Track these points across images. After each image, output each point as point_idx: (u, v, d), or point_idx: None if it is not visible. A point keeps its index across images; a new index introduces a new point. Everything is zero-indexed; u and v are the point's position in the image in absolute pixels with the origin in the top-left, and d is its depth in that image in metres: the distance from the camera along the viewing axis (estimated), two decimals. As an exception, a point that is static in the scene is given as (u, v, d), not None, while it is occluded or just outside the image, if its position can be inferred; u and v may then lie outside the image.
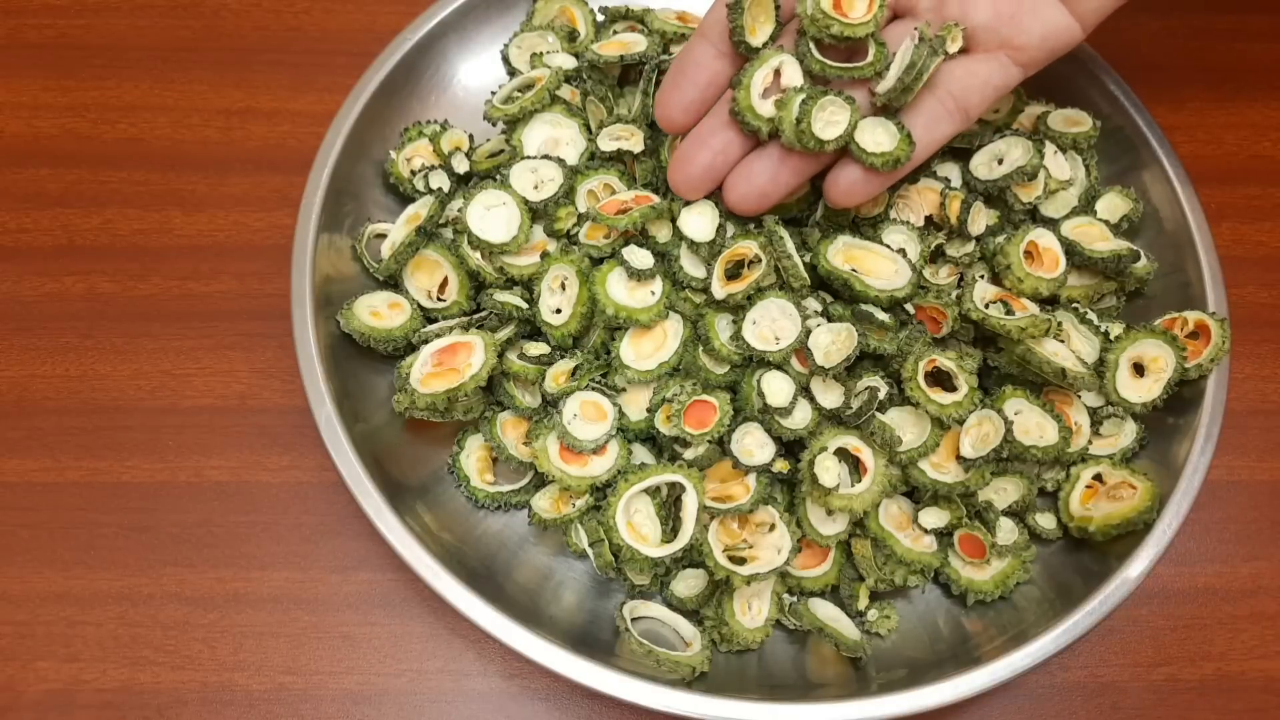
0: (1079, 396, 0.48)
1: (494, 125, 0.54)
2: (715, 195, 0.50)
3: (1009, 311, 0.46)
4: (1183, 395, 0.48)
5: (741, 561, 0.44)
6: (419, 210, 0.50)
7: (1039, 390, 0.47)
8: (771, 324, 0.46)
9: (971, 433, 0.45)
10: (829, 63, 0.43)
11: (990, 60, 0.44)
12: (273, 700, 0.48)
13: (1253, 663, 0.50)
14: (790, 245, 0.46)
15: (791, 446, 0.46)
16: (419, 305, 0.50)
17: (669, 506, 0.45)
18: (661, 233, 0.48)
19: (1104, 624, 0.43)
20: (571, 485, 0.45)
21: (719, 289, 0.46)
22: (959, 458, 0.45)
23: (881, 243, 0.47)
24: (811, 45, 0.43)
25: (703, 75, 0.45)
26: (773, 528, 0.45)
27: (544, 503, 0.47)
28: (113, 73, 0.61)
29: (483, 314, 0.49)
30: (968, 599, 0.46)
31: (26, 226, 0.57)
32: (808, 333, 0.45)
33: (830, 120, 0.42)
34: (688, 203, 0.47)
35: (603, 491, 0.46)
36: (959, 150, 0.52)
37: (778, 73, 0.43)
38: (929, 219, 0.49)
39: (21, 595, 0.49)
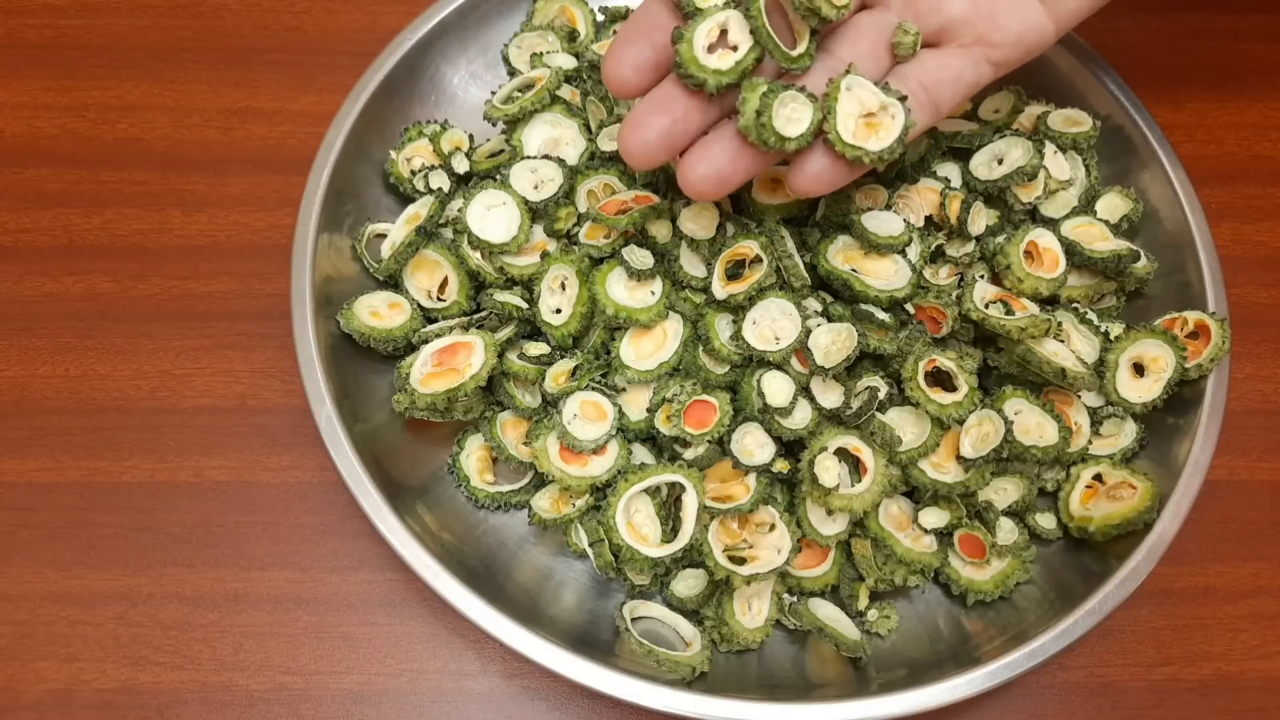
0: (1079, 396, 0.48)
1: (494, 125, 0.54)
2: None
3: (1009, 311, 0.46)
4: (1183, 395, 0.48)
5: (741, 561, 0.44)
6: (419, 210, 0.50)
7: (1039, 390, 0.47)
8: (771, 324, 0.46)
9: (971, 433, 0.45)
10: (769, 29, 0.39)
11: (965, 55, 0.42)
12: (273, 700, 0.48)
13: (1253, 663, 0.50)
14: (791, 245, 0.46)
15: (791, 446, 0.46)
16: (419, 305, 0.50)
17: (669, 506, 0.45)
18: (661, 233, 0.48)
19: (1104, 624, 0.43)
20: (571, 485, 0.45)
21: (720, 289, 0.46)
22: (959, 458, 0.45)
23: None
24: (762, 4, 0.39)
25: (659, 35, 0.39)
26: (773, 528, 0.45)
27: (544, 503, 0.47)
28: (113, 73, 0.61)
29: (483, 314, 0.49)
30: (968, 599, 0.46)
31: (26, 226, 0.57)
32: (808, 333, 0.45)
33: (792, 117, 0.39)
34: (688, 202, 0.48)
35: (603, 491, 0.46)
36: (959, 150, 0.52)
37: (724, 31, 0.39)
38: (929, 219, 0.49)
39: (21, 595, 0.49)
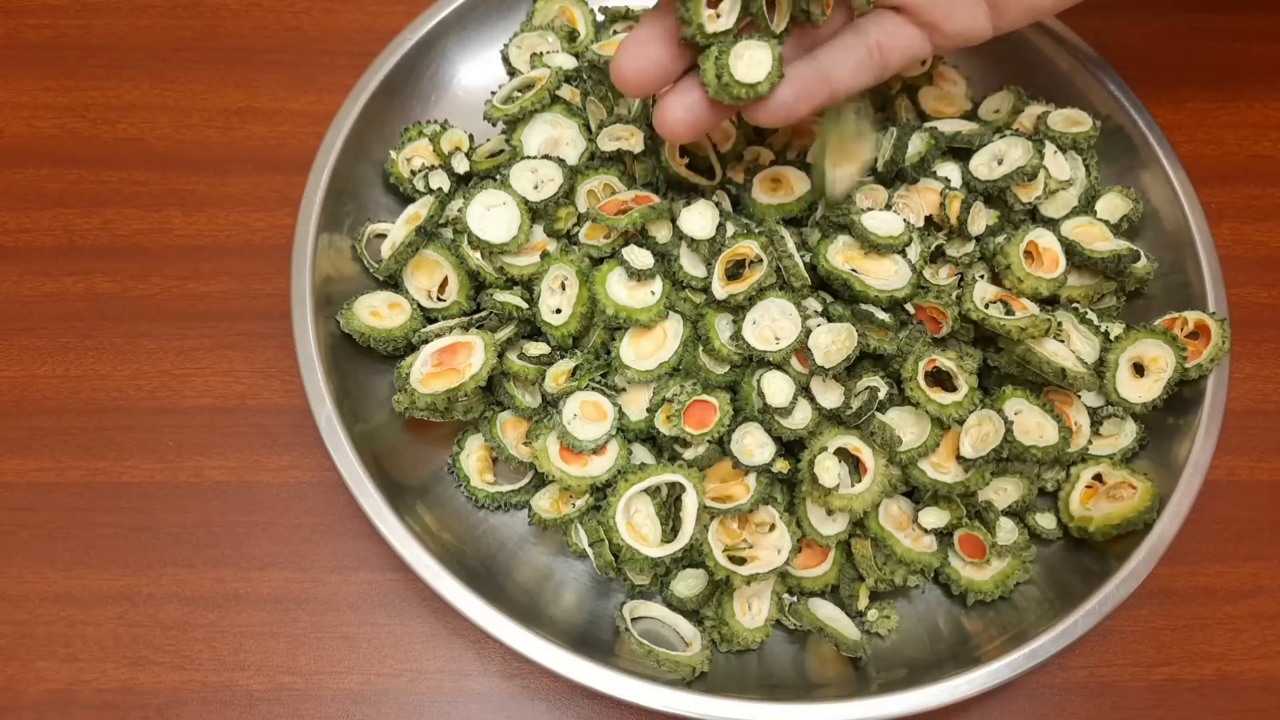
0: (1079, 396, 0.48)
1: (494, 125, 0.54)
2: (714, 195, 0.50)
3: (1009, 311, 0.46)
4: (1183, 395, 0.48)
5: (741, 561, 0.44)
6: (419, 210, 0.50)
7: (1039, 390, 0.47)
8: (771, 324, 0.46)
9: (971, 433, 0.45)
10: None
11: (916, 31, 0.45)
12: (273, 700, 0.48)
13: (1253, 663, 0.50)
14: (791, 245, 0.46)
15: (791, 446, 0.46)
16: (419, 305, 0.50)
17: (669, 506, 0.45)
18: (661, 233, 0.48)
19: (1104, 624, 0.43)
20: (571, 485, 0.45)
21: (720, 289, 0.46)
22: (959, 458, 0.45)
23: (881, 243, 0.47)
24: None
25: None
26: (773, 528, 0.45)
27: (544, 503, 0.47)
28: (113, 73, 0.61)
29: (483, 314, 0.49)
30: (968, 599, 0.46)
31: (26, 226, 0.57)
32: (808, 333, 0.45)
33: (752, 62, 0.40)
34: (688, 202, 0.48)
35: (603, 491, 0.46)
36: (959, 150, 0.52)
37: None
38: (929, 219, 0.49)
39: (21, 595, 0.49)
